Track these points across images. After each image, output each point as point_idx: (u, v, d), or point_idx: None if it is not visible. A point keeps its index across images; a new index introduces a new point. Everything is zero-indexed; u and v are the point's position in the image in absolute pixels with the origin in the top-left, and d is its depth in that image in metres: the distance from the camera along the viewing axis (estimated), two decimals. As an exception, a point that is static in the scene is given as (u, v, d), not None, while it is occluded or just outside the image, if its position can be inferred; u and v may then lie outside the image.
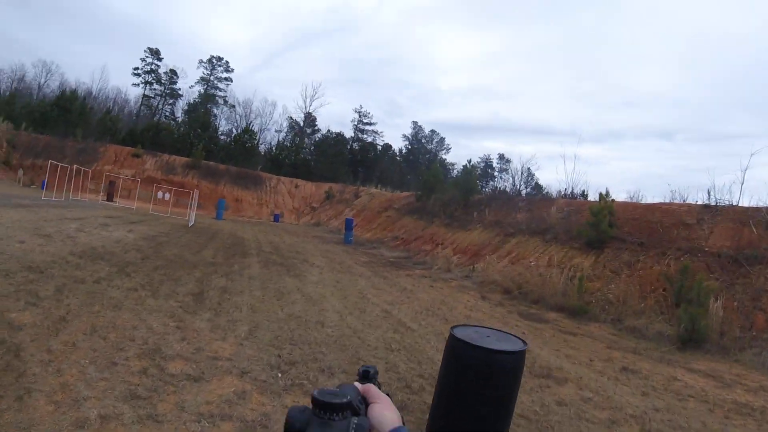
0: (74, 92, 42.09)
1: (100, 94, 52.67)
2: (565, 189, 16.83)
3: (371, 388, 0.58)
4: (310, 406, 0.49)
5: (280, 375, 3.45)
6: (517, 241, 12.87)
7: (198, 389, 3.07)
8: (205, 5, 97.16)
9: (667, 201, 12.13)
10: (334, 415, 0.47)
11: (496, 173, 43.91)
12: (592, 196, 15.82)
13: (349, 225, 19.85)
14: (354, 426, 0.47)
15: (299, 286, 7.67)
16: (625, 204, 12.33)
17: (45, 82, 49.42)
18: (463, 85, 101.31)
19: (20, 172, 25.43)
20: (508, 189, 21.33)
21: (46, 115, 36.71)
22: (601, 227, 10.37)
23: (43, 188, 21.88)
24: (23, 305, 4.19)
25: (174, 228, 14.85)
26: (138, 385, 3.02)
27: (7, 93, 41.77)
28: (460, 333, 2.66)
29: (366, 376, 0.67)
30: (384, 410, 0.54)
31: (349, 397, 0.48)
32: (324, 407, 0.47)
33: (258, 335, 4.45)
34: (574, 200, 15.30)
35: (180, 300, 5.41)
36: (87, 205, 17.49)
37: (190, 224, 17.72)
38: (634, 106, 79.87)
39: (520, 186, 21.09)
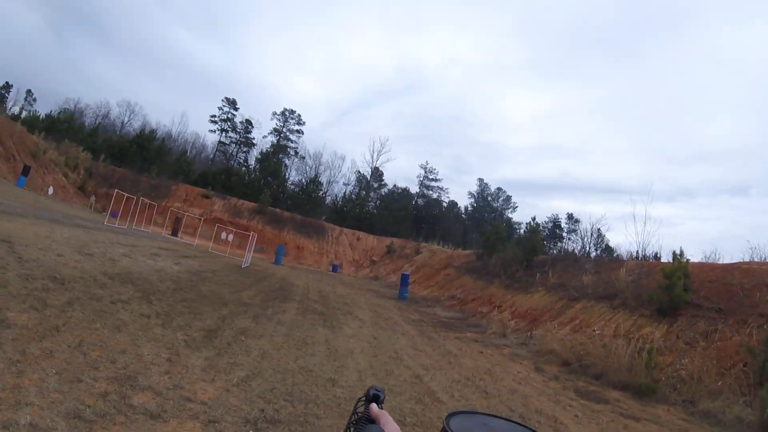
0: (153, 132, 49.20)
1: (179, 137, 60.84)
2: (636, 250, 16.82)
3: (387, 420, 0.61)
4: None
5: (252, 432, 3.11)
6: (581, 307, 12.72)
7: (150, 428, 2.87)
8: (284, 63, 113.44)
9: (747, 260, 11.93)
10: None
11: (564, 234, 43.16)
12: (665, 258, 15.97)
13: (404, 280, 20.47)
14: None
15: (329, 338, 7.45)
16: (700, 265, 12.15)
17: (128, 120, 58.46)
18: (532, 143, 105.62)
19: (92, 198, 29.32)
20: (576, 251, 20.70)
21: (125, 151, 43.08)
22: (675, 291, 10.10)
23: (114, 216, 24.76)
24: (26, 308, 4.42)
25: (225, 267, 15.65)
26: (89, 406, 2.93)
27: (91, 127, 49.59)
28: (456, 425, 2.15)
29: (376, 400, 0.69)
30: None
31: None
32: None
33: (252, 384, 4.18)
34: (645, 262, 15.23)
35: (189, 334, 5.40)
36: (147, 236, 19.22)
37: (244, 265, 18.64)
38: (704, 160, 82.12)
39: (589, 248, 20.23)
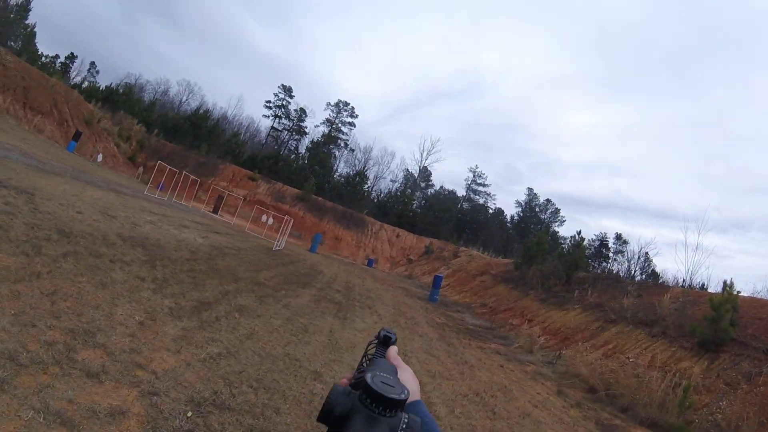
0: (207, 112, 51.81)
1: (234, 120, 63.91)
2: (683, 278, 16.42)
3: (397, 356, 0.65)
4: (354, 389, 0.49)
5: (189, 414, 2.91)
6: (617, 331, 12.38)
7: (79, 386, 2.75)
8: (343, 56, 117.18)
9: (802, 299, 11.41)
10: (387, 411, 0.44)
11: (611, 254, 42.53)
12: (713, 290, 15.55)
13: (437, 282, 20.44)
14: (404, 426, 0.45)
15: (335, 329, 7.25)
16: (751, 300, 11.79)
17: (186, 99, 61.96)
18: (586, 158, 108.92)
19: (140, 169, 30.98)
20: (620, 272, 20.65)
21: (178, 127, 45.67)
22: (721, 325, 9.72)
23: (160, 188, 25.95)
24: (17, 252, 4.53)
25: (254, 247, 15.94)
26: (29, 352, 2.88)
27: (149, 102, 52.73)
28: None
29: (387, 342, 0.71)
30: (407, 381, 0.57)
31: (407, 393, 0.46)
32: (378, 401, 0.44)
33: (221, 363, 4.02)
34: (691, 290, 14.78)
35: (178, 302, 5.36)
36: (184, 210, 19.95)
37: (275, 248, 18.91)
38: (762, 193, 78.90)
39: (634, 270, 19.70)
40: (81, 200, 8.96)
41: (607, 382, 8.83)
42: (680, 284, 16.05)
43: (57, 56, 52.26)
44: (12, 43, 34.11)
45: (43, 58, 45.23)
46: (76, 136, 23.90)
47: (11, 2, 34.12)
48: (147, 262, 6.72)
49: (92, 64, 58.63)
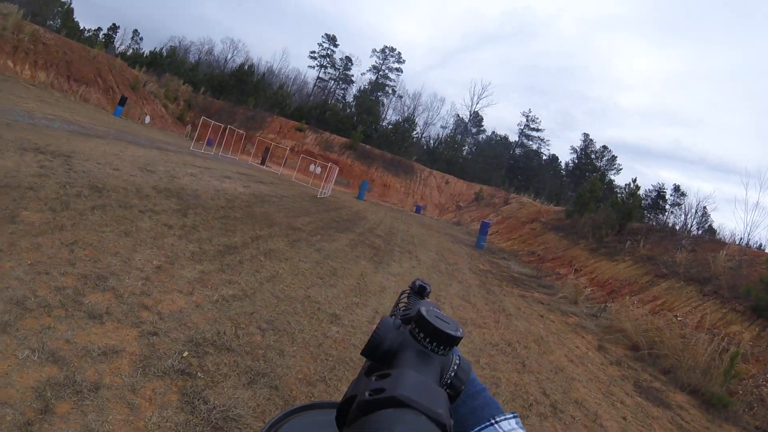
0: (251, 67, 52.36)
1: (281, 73, 64.43)
2: (741, 236, 15.75)
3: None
4: (405, 324, 0.45)
5: (185, 354, 2.98)
6: (667, 286, 11.99)
7: (80, 327, 2.88)
8: (387, 3, 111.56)
9: None
10: (441, 347, 0.42)
11: (667, 206, 40.59)
12: None
13: (483, 229, 20.36)
14: (456, 366, 0.44)
15: (367, 273, 7.29)
16: None
17: (231, 57, 62.76)
18: (645, 105, 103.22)
19: (188, 127, 31.98)
20: (676, 225, 19.77)
21: (224, 84, 46.59)
22: None
23: (209, 144, 26.77)
24: (44, 209, 4.77)
25: (298, 195, 16.24)
26: (37, 297, 3.05)
27: (193, 62, 54.11)
28: None
29: (422, 293, 0.67)
30: None
31: (462, 331, 0.44)
32: (433, 335, 0.42)
33: (233, 304, 4.11)
34: (748, 249, 14.11)
35: (203, 247, 5.51)
36: (231, 162, 20.52)
37: (320, 196, 19.21)
38: None
39: (691, 224, 18.81)
40: (120, 158, 9.32)
41: (651, 340, 8.46)
42: (737, 242, 15.50)
43: (99, 29, 54.42)
44: (51, 22, 35.63)
45: (86, 33, 46.95)
46: (122, 101, 24.87)
47: None
48: (178, 210, 6.94)
49: (135, 32, 60.49)
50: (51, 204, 5.01)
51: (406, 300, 0.68)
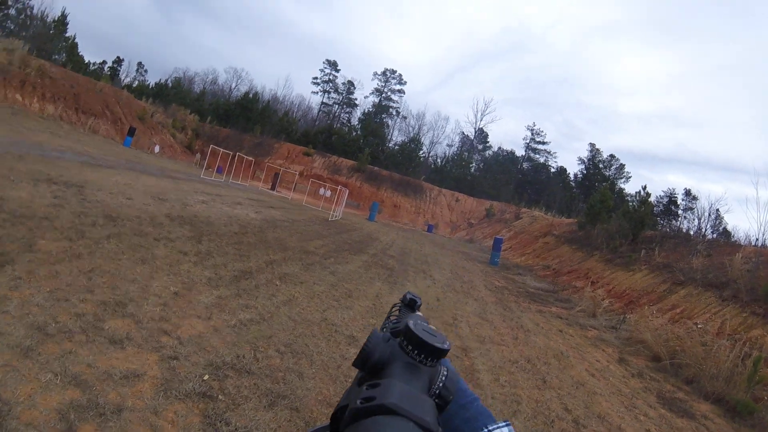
0: (256, 94, 54.06)
1: (285, 100, 66.02)
2: (756, 237, 15.80)
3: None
4: (394, 336, 0.48)
5: (206, 378, 3.00)
6: (686, 293, 11.93)
7: (101, 351, 2.92)
8: (385, 26, 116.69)
9: None
10: (428, 360, 0.44)
11: (680, 211, 40.66)
12: None
13: (497, 245, 20.54)
14: (444, 377, 0.45)
15: (382, 294, 7.30)
16: None
17: (235, 86, 64.61)
18: (646, 110, 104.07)
19: (197, 156, 32.62)
20: (690, 230, 19.74)
21: (230, 112, 48.09)
22: None
23: (219, 172, 27.19)
24: (60, 238, 4.88)
25: (310, 219, 16.39)
26: (57, 323, 3.10)
27: (198, 92, 55.49)
28: None
29: (413, 306, 0.70)
30: None
31: (449, 344, 0.45)
32: (421, 348, 0.44)
33: (251, 329, 4.13)
34: (764, 249, 13.99)
35: (218, 273, 5.57)
36: (241, 189, 20.80)
37: (331, 219, 19.35)
38: None
39: (705, 229, 18.71)
40: (132, 188, 9.53)
41: (672, 350, 8.32)
42: (752, 243, 15.42)
43: (104, 62, 56.23)
44: (56, 56, 36.96)
45: (91, 66, 48.53)
46: (131, 131, 25.51)
47: (48, 19, 36.92)
48: (192, 237, 7.05)
49: (139, 64, 62.48)
50: (67, 233, 5.13)
51: (397, 313, 0.71)
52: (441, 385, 0.45)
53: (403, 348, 0.45)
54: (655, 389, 6.50)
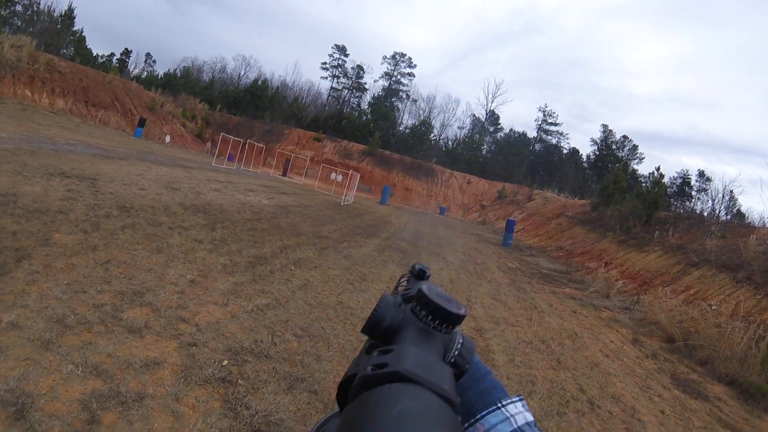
0: (265, 81, 54.04)
1: (295, 86, 65.98)
2: None
3: None
4: (406, 302, 0.46)
5: (225, 363, 3.03)
6: (699, 275, 11.88)
7: (120, 341, 2.96)
8: (395, 10, 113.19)
9: None
10: (443, 326, 0.41)
11: (693, 192, 40.98)
12: None
13: (509, 226, 20.49)
14: (459, 345, 0.43)
15: (395, 276, 7.30)
16: None
17: (244, 73, 64.32)
18: (658, 91, 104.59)
19: (208, 144, 32.92)
20: (704, 211, 19.51)
21: (239, 100, 48.16)
22: None
23: (230, 160, 27.32)
24: (75, 230, 4.95)
25: (322, 204, 16.42)
26: (76, 315, 3.14)
27: (207, 81, 55.65)
28: None
29: (422, 276, 0.67)
30: None
31: (464, 309, 0.43)
32: (435, 313, 0.41)
33: (268, 313, 4.16)
34: None
35: (233, 259, 5.61)
36: (252, 176, 20.90)
37: (343, 203, 19.38)
38: None
39: (719, 210, 18.54)
40: (144, 178, 9.61)
41: (686, 331, 8.27)
42: (767, 225, 15.52)
43: (113, 54, 56.56)
44: (64, 50, 37.17)
45: (100, 58, 48.76)
46: (141, 122, 25.70)
47: (55, 14, 37.08)
48: (207, 225, 7.10)
49: (147, 55, 62.88)
50: (82, 225, 5.19)
51: (405, 283, 0.69)
52: (456, 353, 0.42)
53: (415, 313, 0.42)
54: (669, 370, 6.45)
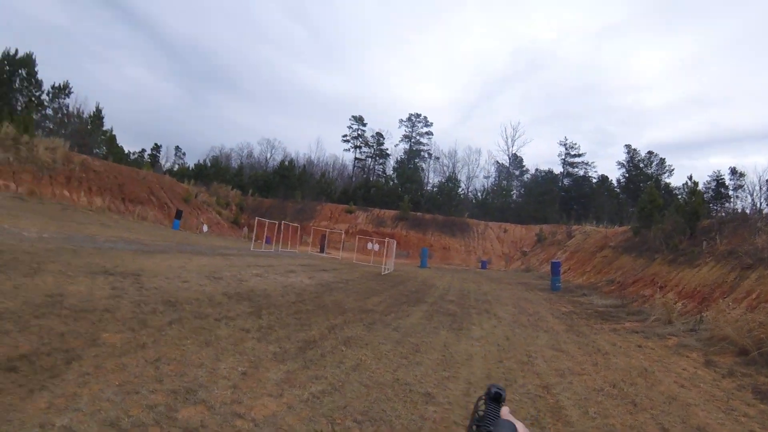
0: (291, 161, 56.84)
1: (320, 161, 69.23)
2: None
3: (517, 421, 0.64)
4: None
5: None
6: (757, 276, 11.30)
7: (177, 445, 2.78)
8: (403, 75, 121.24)
9: None
10: None
11: (731, 192, 39.71)
12: None
13: (555, 269, 19.94)
14: None
15: (449, 343, 6.99)
16: None
17: (270, 156, 68.19)
18: (672, 98, 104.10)
19: (245, 229, 33.91)
20: (746, 209, 19.17)
21: (269, 182, 50.24)
22: None
23: (268, 243, 27.92)
24: (124, 329, 4.96)
25: (363, 275, 16.34)
26: (131, 416, 3.05)
27: (236, 167, 58.70)
28: None
29: (498, 399, 0.70)
30: None
31: None
32: None
33: (324, 400, 3.94)
34: None
35: (283, 346, 5.48)
36: (291, 256, 21.15)
37: (384, 272, 19.22)
38: None
39: (759, 203, 17.85)
40: (186, 270, 9.79)
41: (758, 339, 7.79)
42: None
43: (144, 150, 60.82)
44: (97, 150, 39.68)
45: (132, 155, 52.21)
46: (178, 214, 26.86)
47: (85, 115, 40.00)
48: (252, 313, 7.06)
49: (177, 148, 67.40)
50: (129, 323, 5.21)
51: (483, 407, 0.71)
52: None
53: None
54: (750, 385, 6.01)
